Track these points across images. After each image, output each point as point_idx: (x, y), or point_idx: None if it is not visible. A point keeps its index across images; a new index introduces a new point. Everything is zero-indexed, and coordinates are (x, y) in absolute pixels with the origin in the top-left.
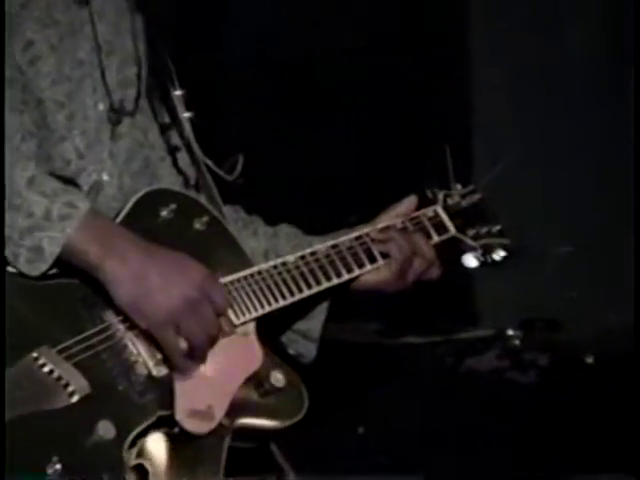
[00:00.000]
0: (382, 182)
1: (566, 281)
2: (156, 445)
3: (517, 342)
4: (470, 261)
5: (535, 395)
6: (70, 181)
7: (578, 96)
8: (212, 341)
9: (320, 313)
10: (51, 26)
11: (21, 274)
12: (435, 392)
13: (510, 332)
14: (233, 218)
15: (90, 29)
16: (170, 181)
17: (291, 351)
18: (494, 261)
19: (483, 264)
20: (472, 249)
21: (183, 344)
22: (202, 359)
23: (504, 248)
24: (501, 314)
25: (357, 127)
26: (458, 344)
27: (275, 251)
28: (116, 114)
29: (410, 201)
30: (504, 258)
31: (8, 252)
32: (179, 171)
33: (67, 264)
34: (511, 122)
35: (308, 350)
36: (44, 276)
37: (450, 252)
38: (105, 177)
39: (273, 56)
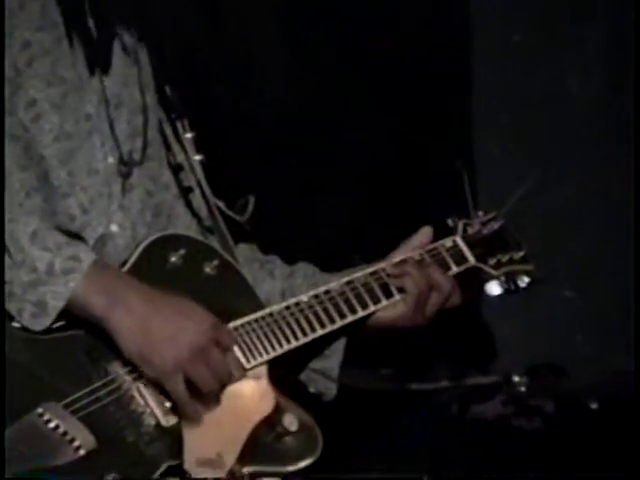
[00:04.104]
0: (395, 217)
1: (571, 326)
2: None
3: (523, 388)
4: (494, 289)
5: (541, 441)
6: (76, 235)
7: (582, 138)
8: (222, 387)
9: (337, 352)
10: (55, 84)
11: (25, 328)
12: (440, 438)
13: (516, 378)
14: (249, 258)
15: (98, 83)
16: (187, 220)
17: (312, 390)
18: (518, 288)
19: (507, 291)
20: (494, 277)
21: (193, 392)
22: (213, 406)
23: (528, 274)
24: (506, 360)
25: (366, 164)
26: (463, 390)
27: (292, 291)
28: (126, 166)
29: (424, 233)
30: (529, 284)
31: (12, 307)
32: (192, 213)
33: (72, 316)
34: (512, 162)
35: (328, 389)
36: (49, 329)
37: (473, 281)
38: (114, 228)
39: (282, 98)
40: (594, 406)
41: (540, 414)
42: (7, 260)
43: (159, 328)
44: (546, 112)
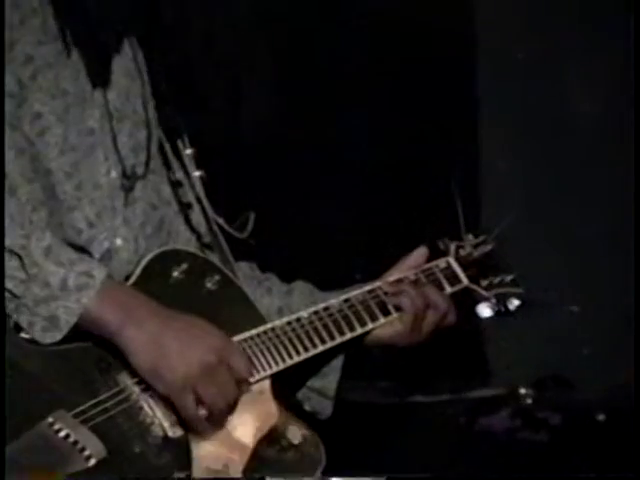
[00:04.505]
0: (391, 236)
1: (577, 339)
2: None
3: (529, 401)
4: (484, 311)
5: (548, 453)
6: (82, 249)
7: (587, 152)
8: (231, 406)
9: (335, 371)
10: (59, 97)
11: (34, 340)
12: (447, 451)
13: (522, 391)
14: (248, 275)
15: (100, 96)
16: (187, 236)
17: (307, 408)
18: (508, 310)
19: (497, 313)
20: (485, 299)
21: (202, 410)
22: (221, 423)
23: (518, 297)
24: (513, 373)
25: (365, 183)
26: (471, 403)
27: (289, 309)
28: (129, 180)
29: (420, 252)
30: (518, 307)
31: (22, 320)
32: (192, 229)
33: (82, 330)
34: (517, 176)
35: (324, 408)
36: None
37: (464, 303)
38: (119, 242)
39: (281, 113)
40: (601, 418)
41: (547, 426)
42: (20, 274)
43: (170, 344)
44: (552, 126)
